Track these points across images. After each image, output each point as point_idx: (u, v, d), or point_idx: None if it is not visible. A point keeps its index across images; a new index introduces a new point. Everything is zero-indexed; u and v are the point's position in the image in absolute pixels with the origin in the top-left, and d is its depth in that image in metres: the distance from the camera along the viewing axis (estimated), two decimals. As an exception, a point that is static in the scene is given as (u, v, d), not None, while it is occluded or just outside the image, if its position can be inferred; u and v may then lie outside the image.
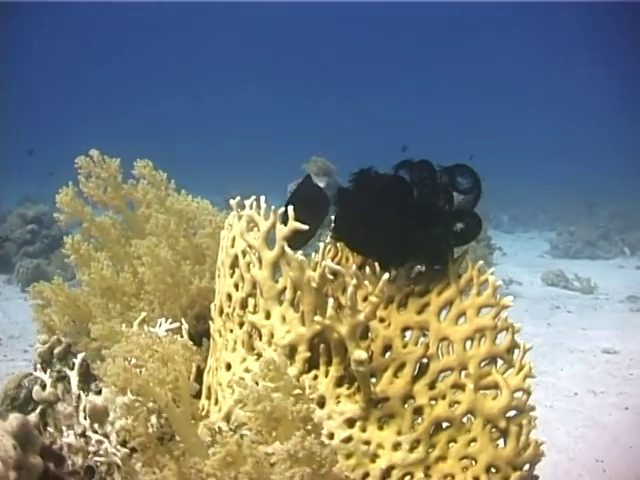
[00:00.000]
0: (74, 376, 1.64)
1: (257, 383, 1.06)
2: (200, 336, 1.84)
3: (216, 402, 1.43)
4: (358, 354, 1.17)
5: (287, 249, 1.28)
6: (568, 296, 6.69)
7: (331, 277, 1.25)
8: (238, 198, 1.48)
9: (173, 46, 39.72)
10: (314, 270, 1.23)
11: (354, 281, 1.15)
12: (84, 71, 36.46)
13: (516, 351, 1.32)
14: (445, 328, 1.30)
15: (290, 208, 1.32)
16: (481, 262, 1.33)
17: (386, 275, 1.17)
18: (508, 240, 10.34)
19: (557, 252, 9.51)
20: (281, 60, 41.11)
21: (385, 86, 39.97)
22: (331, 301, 1.16)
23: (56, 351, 1.87)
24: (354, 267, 1.18)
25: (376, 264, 1.32)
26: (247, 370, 1.37)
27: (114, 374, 1.05)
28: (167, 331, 1.68)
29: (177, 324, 1.69)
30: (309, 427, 1.02)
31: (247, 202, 1.43)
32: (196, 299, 1.99)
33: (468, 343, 1.30)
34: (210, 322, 1.55)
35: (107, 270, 2.03)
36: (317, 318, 1.18)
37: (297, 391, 1.03)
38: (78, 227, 2.16)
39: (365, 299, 1.27)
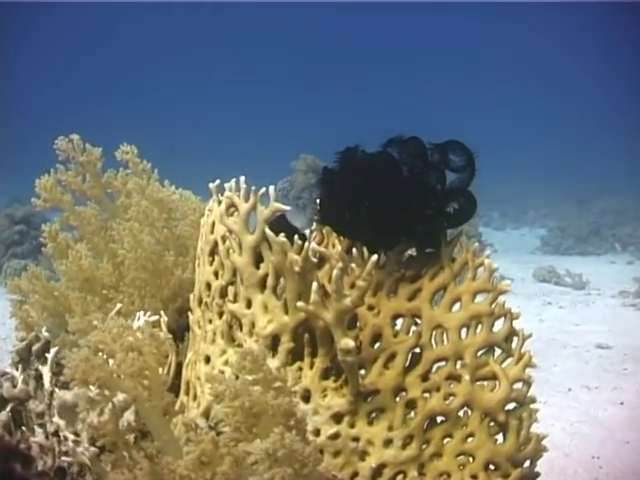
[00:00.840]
0: (46, 372, 1.54)
1: (237, 377, 0.96)
2: (182, 330, 1.75)
3: (195, 397, 1.33)
4: (345, 343, 1.07)
5: (268, 232, 1.18)
6: (560, 292, 6.61)
7: (315, 260, 1.15)
8: (218, 181, 1.38)
9: (162, 36, 39.56)
10: (297, 253, 1.13)
11: (340, 264, 1.05)
12: (75, 63, 36.32)
13: (515, 339, 1.23)
14: (439, 315, 1.20)
15: (272, 188, 1.22)
16: (476, 244, 1.24)
17: (374, 257, 1.07)
18: (499, 237, 10.26)
19: (548, 248, 9.43)
20: (270, 54, 41.06)
21: (375, 80, 39.89)
22: (315, 285, 1.06)
23: (34, 348, 1.77)
24: (339, 249, 1.09)
25: (364, 248, 1.22)
26: (227, 363, 1.27)
27: (72, 366, 0.95)
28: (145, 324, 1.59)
29: (157, 317, 1.61)
30: (291, 423, 0.92)
31: (227, 185, 1.33)
32: (178, 292, 1.90)
33: (463, 331, 1.21)
34: (189, 314, 1.44)
35: (85, 260, 1.94)
36: (300, 304, 1.08)
37: (278, 384, 0.93)
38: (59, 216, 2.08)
39: (352, 286, 1.17)
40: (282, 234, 1.15)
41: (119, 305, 1.49)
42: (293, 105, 37.79)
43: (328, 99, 38.34)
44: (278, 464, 0.80)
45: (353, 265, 1.08)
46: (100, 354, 0.99)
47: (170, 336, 1.59)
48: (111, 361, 0.99)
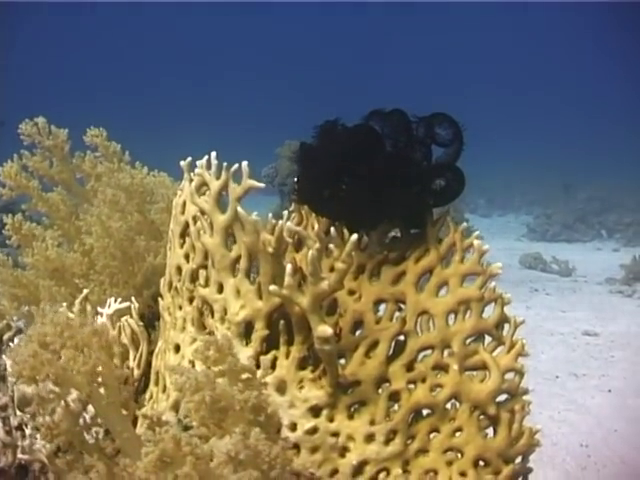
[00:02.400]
0: (9, 363, 1.44)
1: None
2: (157, 318, 1.65)
3: (164, 389, 1.24)
4: (322, 330, 0.97)
5: (240, 210, 1.08)
6: (547, 279, 6.56)
7: (290, 241, 1.05)
8: (189, 159, 1.28)
9: (153, 24, 39.25)
10: (271, 233, 1.03)
11: (317, 245, 0.96)
12: (66, 49, 35.98)
13: (506, 326, 1.14)
14: (424, 300, 1.11)
15: (244, 164, 1.12)
16: (465, 224, 1.14)
17: (354, 236, 0.97)
18: (485, 224, 10.19)
19: (534, 235, 9.38)
20: (255, 43, 40.86)
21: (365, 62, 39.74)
22: (289, 267, 0.96)
23: (5, 337, 1.68)
24: (316, 228, 0.99)
25: (344, 229, 1.13)
26: (197, 352, 1.17)
27: (20, 361, 0.85)
28: (115, 312, 1.49)
29: (127, 304, 1.51)
30: (261, 418, 0.83)
31: (198, 162, 1.23)
32: (151, 278, 1.80)
33: (451, 317, 1.11)
34: (160, 299, 1.34)
35: (52, 250, 1.84)
36: (272, 288, 0.98)
37: (245, 376, 0.83)
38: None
39: (332, 270, 1.07)
40: (255, 215, 1.05)
41: (86, 291, 1.39)
42: (278, 91, 37.61)
43: (313, 85, 38.20)
44: (242, 467, 0.70)
45: (332, 246, 0.98)
46: (49, 348, 0.89)
47: (141, 324, 1.50)
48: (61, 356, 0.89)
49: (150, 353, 1.43)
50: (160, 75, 38.39)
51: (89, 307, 1.40)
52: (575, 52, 34.95)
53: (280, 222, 1.01)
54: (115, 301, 1.52)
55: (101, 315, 1.50)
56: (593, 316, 5.17)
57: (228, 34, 42.75)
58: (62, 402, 0.92)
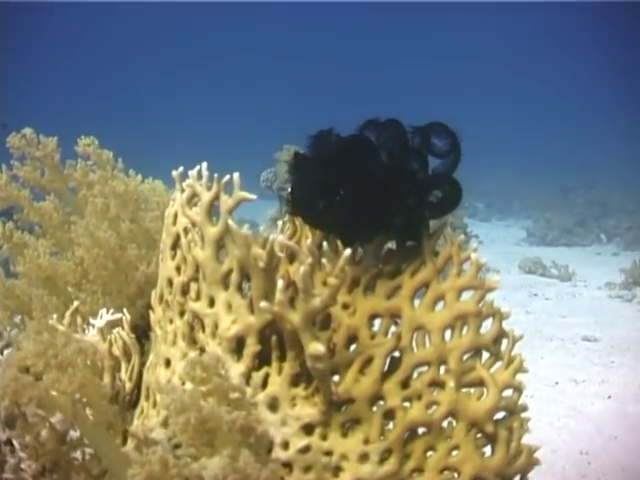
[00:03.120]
0: (-2, 376, 1.41)
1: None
2: (151, 328, 1.62)
3: (155, 404, 1.21)
4: (314, 348, 0.94)
5: (231, 223, 1.05)
6: (546, 283, 6.50)
7: (282, 255, 1.02)
8: (181, 169, 1.25)
9: (148, 22, 39.23)
10: (262, 247, 1.00)
11: (309, 259, 0.93)
12: (66, 49, 35.99)
13: (504, 341, 1.11)
14: (420, 315, 1.08)
15: (236, 175, 1.09)
16: (462, 236, 1.12)
17: (348, 251, 0.94)
18: (484, 228, 10.15)
19: (534, 240, 9.32)
20: (254, 42, 40.88)
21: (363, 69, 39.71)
22: (280, 283, 0.93)
23: (-3, 347, 1.66)
24: (309, 242, 0.96)
25: (338, 242, 1.10)
26: (189, 368, 1.15)
27: (2, 386, 0.82)
28: (107, 323, 1.47)
29: (119, 315, 1.49)
30: (250, 440, 0.79)
31: (190, 172, 1.20)
32: (145, 287, 1.77)
33: (448, 333, 1.08)
34: (151, 312, 1.31)
35: (44, 258, 1.81)
36: (263, 305, 0.95)
37: (235, 395, 0.80)
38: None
39: (325, 284, 1.04)
40: (246, 228, 1.02)
41: (76, 303, 1.36)
42: (277, 95, 37.60)
43: (312, 87, 38.21)
44: (230, 494, 0.67)
45: (324, 260, 0.95)
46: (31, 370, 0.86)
47: (133, 336, 1.47)
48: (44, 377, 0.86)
49: (143, 364, 1.40)
50: (156, 75, 38.38)
51: (79, 319, 1.37)
52: (575, 55, 34.95)
53: (271, 236, 0.97)
54: (107, 312, 1.50)
55: (93, 327, 1.47)
56: (593, 321, 5.13)
57: (225, 35, 42.73)
58: (46, 425, 0.89)
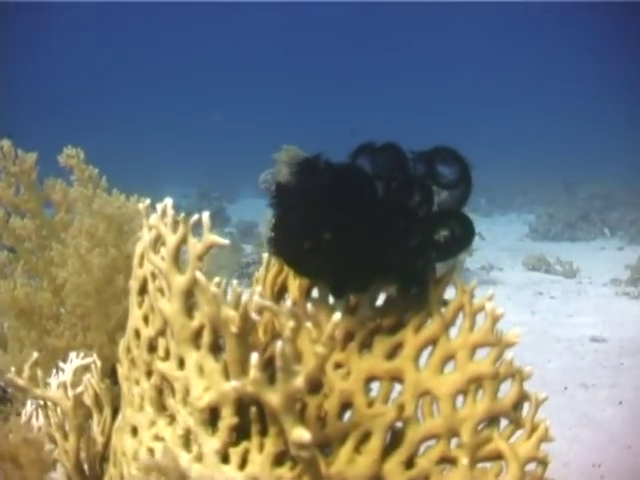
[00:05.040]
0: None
1: None
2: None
3: (122, 477, 1.02)
4: (298, 435, 0.75)
5: (199, 276, 0.85)
6: (551, 281, 6.30)
7: (258, 319, 0.81)
8: (148, 202, 1.06)
9: (140, 25, 39.01)
10: (235, 307, 0.80)
11: (290, 323, 0.73)
12: (71, 58, 35.80)
13: (525, 405, 0.92)
14: (427, 379, 0.88)
15: (205, 215, 0.90)
16: (474, 282, 0.92)
17: (337, 315, 0.74)
18: (486, 224, 9.89)
19: (537, 235, 9.09)
20: (255, 45, 40.66)
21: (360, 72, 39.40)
22: (255, 357, 0.73)
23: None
24: (290, 301, 0.76)
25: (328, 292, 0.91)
26: (157, 437, 0.95)
27: None
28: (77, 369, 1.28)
29: (90, 360, 1.31)
30: None
31: (159, 206, 1.01)
32: (125, 323, 1.58)
33: (459, 399, 0.89)
34: (118, 365, 1.12)
35: (20, 290, 1.63)
36: (233, 385, 0.76)
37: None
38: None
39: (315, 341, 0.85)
40: (216, 283, 0.83)
41: (35, 355, 1.17)
42: (277, 95, 37.41)
43: (311, 89, 38.03)
44: None
45: (309, 325, 0.75)
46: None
47: (103, 386, 1.28)
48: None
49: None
50: (152, 75, 38.18)
51: (40, 373, 1.18)
52: (578, 50, 34.61)
53: (245, 296, 0.78)
54: (77, 355, 1.31)
55: (62, 371, 1.29)
56: (600, 320, 4.93)
57: (221, 31, 42.40)
58: None
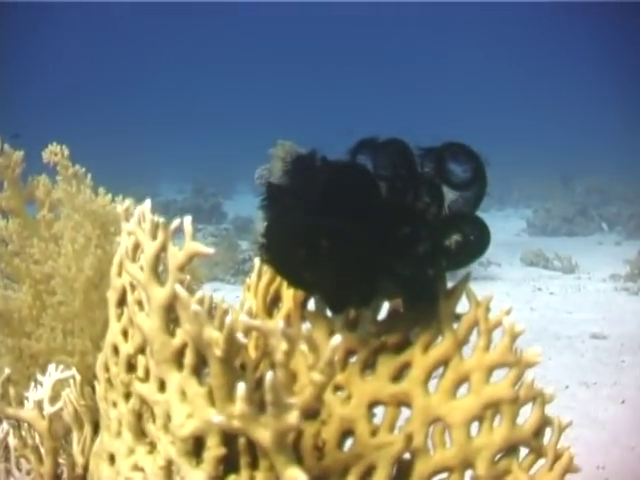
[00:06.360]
0: None
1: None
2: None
3: (99, 508, 0.91)
4: (292, 476, 0.64)
5: (179, 290, 0.74)
6: (549, 276, 6.20)
7: (245, 342, 0.70)
8: (127, 203, 0.95)
9: (139, 23, 38.77)
10: (220, 328, 0.69)
11: (282, 346, 0.63)
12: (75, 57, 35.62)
13: (547, 431, 0.81)
14: (438, 404, 0.78)
15: (187, 220, 0.79)
16: (491, 294, 0.81)
17: (337, 339, 0.63)
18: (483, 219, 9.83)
19: (534, 230, 8.99)
20: (250, 42, 40.52)
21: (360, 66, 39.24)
22: (242, 388, 0.62)
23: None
24: (282, 320, 0.65)
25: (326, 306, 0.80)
26: (136, 467, 0.85)
27: None
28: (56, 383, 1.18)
29: (70, 373, 1.20)
30: None
31: (138, 209, 0.90)
32: (111, 330, 1.49)
33: (474, 427, 0.78)
34: (96, 382, 1.01)
35: (-4, 293, 1.52)
36: (217, 420, 0.65)
37: None
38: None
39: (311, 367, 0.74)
40: (198, 298, 0.71)
41: (7, 372, 1.06)
42: (274, 89, 37.29)
43: (308, 83, 37.95)
44: None
45: (304, 348, 0.64)
46: None
47: (84, 402, 1.17)
48: None
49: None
50: (149, 71, 38.03)
51: (12, 390, 1.07)
52: (574, 46, 34.52)
53: (229, 316, 0.66)
54: (57, 368, 1.21)
55: (40, 385, 1.18)
56: (600, 317, 4.85)
57: (215, 30, 42.22)
58: None
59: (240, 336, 0.66)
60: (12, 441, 1.15)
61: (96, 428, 1.14)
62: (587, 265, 6.49)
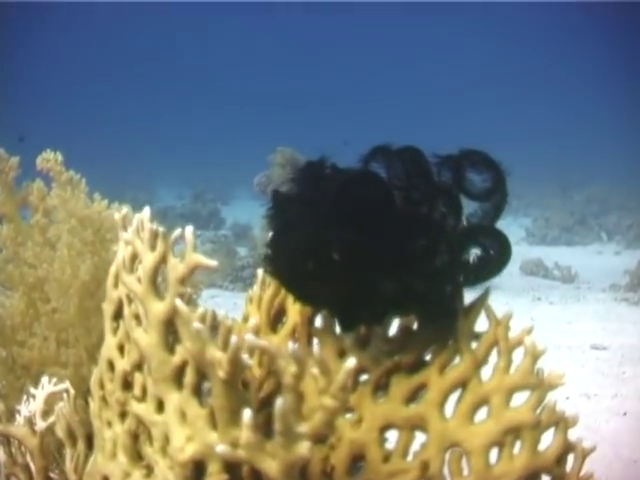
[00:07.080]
0: None
1: None
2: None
3: (92, 533, 0.86)
4: (301, 510, 0.59)
5: (180, 305, 0.69)
6: (549, 286, 6.15)
7: (250, 363, 0.65)
8: (125, 210, 0.90)
9: (146, 30, 38.78)
10: (223, 348, 0.64)
11: (291, 369, 0.58)
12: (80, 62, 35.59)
13: (570, 458, 0.76)
14: (455, 429, 0.72)
15: (189, 230, 0.74)
16: (511, 312, 0.76)
17: (352, 362, 0.58)
18: (481, 228, 9.78)
19: (533, 239, 8.94)
20: (252, 48, 40.60)
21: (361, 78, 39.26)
22: (248, 415, 0.57)
23: None
24: (291, 343, 0.60)
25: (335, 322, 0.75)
26: (132, 492, 0.79)
27: None
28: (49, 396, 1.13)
29: (64, 386, 1.15)
30: None
31: (137, 217, 0.85)
32: (107, 338, 1.44)
33: (494, 453, 0.73)
34: (90, 399, 0.96)
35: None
36: (221, 450, 0.60)
37: None
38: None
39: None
40: (200, 315, 0.66)
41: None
42: (273, 96, 37.32)
43: (308, 89, 38.00)
44: None
45: (315, 371, 0.59)
46: None
47: (77, 417, 1.12)
48: None
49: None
50: (147, 76, 38.00)
51: (1, 405, 1.02)
52: (572, 52, 34.56)
53: (235, 336, 0.61)
54: (50, 381, 1.16)
55: (33, 398, 1.13)
56: (600, 327, 4.79)
57: (214, 32, 42.25)
58: None
59: (245, 357, 0.61)
60: (1, 458, 1.10)
61: (90, 443, 1.09)
62: (587, 275, 6.44)
